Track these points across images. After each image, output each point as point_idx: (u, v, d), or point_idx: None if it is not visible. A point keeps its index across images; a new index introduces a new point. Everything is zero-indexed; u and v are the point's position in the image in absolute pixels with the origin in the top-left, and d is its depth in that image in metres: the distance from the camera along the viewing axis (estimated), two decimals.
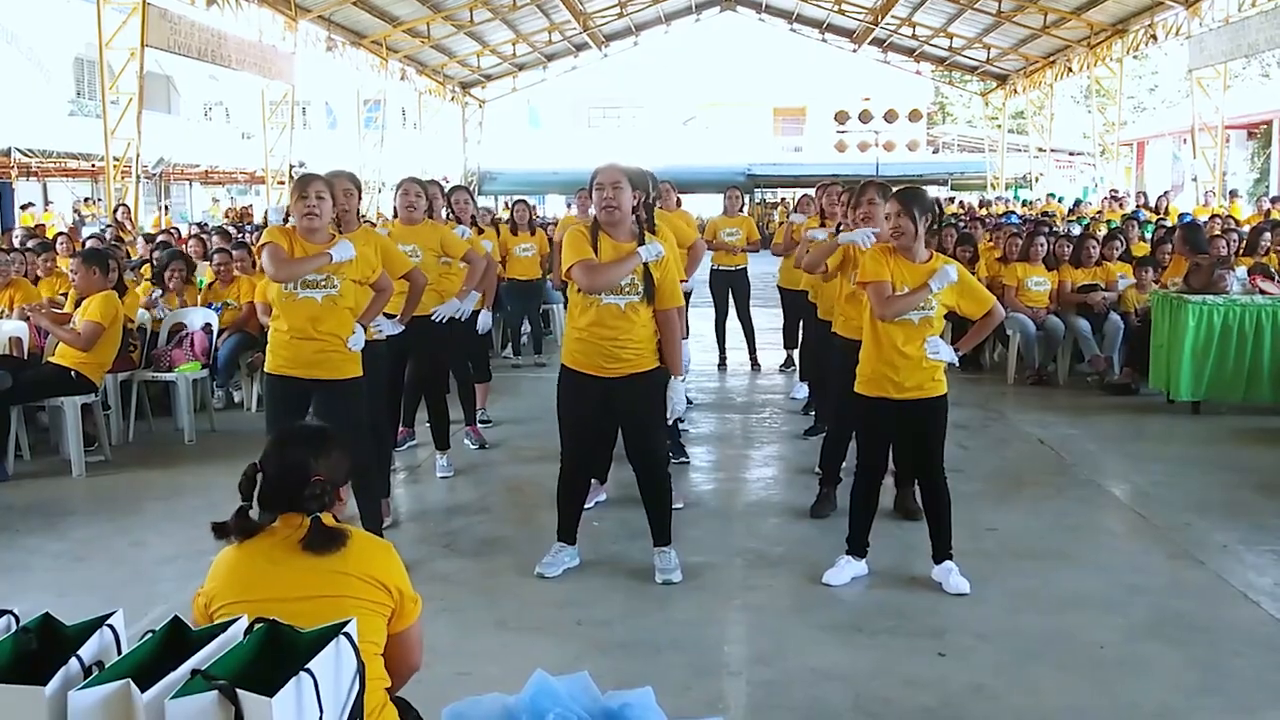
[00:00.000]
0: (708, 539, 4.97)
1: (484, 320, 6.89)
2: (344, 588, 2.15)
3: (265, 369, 4.58)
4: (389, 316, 4.99)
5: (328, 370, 4.42)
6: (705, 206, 25.76)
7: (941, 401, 4.29)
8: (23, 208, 19.66)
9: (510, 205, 10.18)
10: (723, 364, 9.64)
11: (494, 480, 6.11)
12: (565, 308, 4.84)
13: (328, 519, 2.23)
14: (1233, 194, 18.06)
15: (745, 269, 9.41)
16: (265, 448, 2.34)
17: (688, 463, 6.26)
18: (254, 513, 2.27)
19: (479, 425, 6.92)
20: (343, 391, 4.46)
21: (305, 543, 2.17)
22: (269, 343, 4.55)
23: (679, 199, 8.80)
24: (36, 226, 14.26)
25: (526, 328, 10.38)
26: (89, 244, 8.94)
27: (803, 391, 7.99)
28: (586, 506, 4.72)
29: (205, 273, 8.60)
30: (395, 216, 6.00)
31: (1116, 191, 20.51)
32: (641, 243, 4.21)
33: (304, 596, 2.12)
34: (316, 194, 4.33)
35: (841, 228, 5.58)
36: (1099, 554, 4.77)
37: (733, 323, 9.51)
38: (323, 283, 4.35)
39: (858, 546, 4.43)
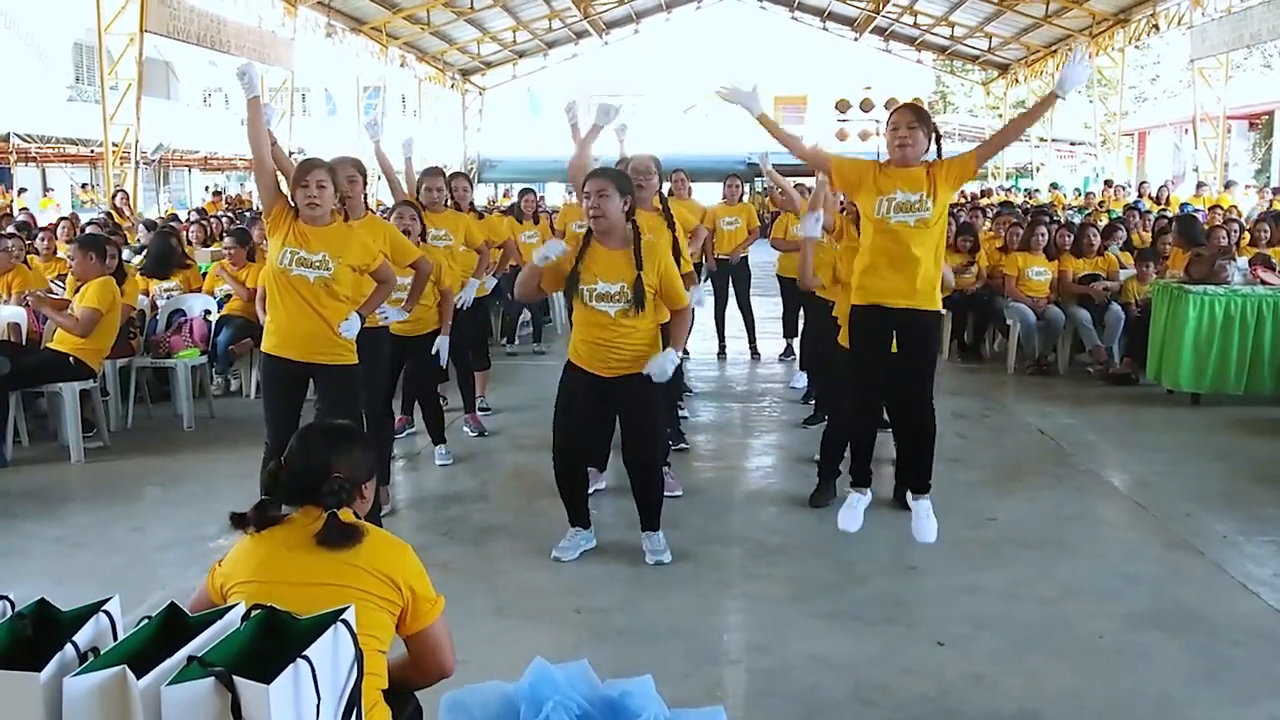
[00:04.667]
0: (707, 527, 4.96)
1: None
2: (351, 579, 2.15)
3: (261, 348, 4.55)
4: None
5: (322, 356, 4.40)
6: (706, 195, 25.70)
7: (935, 318, 4.25)
8: (19, 191, 19.64)
9: (519, 194, 10.17)
10: (722, 353, 9.63)
11: (493, 468, 6.11)
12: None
13: (346, 515, 2.24)
14: (1228, 184, 18.01)
15: (746, 258, 9.38)
16: (290, 442, 2.37)
17: (687, 449, 6.26)
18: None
19: (479, 413, 6.92)
20: (338, 378, 4.45)
21: (320, 537, 2.18)
22: (266, 324, 4.54)
23: (690, 188, 8.78)
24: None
25: (526, 316, 10.38)
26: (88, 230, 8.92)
27: (802, 380, 7.98)
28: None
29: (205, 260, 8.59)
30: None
31: (1112, 180, 20.45)
32: (636, 250, 4.19)
33: (312, 583, 2.13)
34: (317, 183, 4.29)
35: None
36: (1098, 544, 4.77)
37: (732, 311, 9.49)
38: (317, 263, 4.31)
39: (862, 477, 4.45)
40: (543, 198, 11.37)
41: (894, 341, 4.31)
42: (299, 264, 4.30)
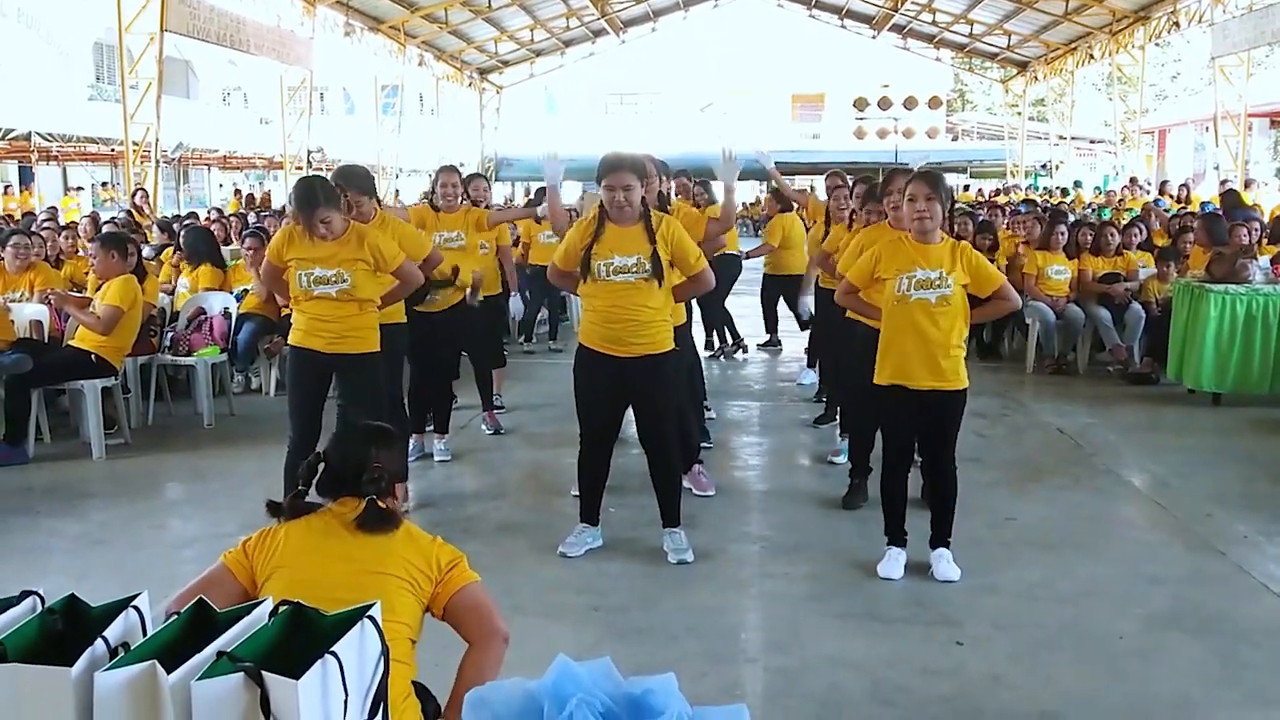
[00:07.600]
0: (725, 526, 4.97)
1: (515, 305, 7.23)
2: (388, 565, 2.24)
3: (289, 340, 4.73)
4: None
5: (347, 347, 4.58)
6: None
7: (961, 396, 4.23)
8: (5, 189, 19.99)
9: (533, 194, 10.17)
10: (709, 346, 9.54)
11: (510, 466, 6.13)
12: None
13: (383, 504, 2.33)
14: (1248, 183, 17.87)
15: (735, 254, 9.34)
16: (330, 440, 2.49)
17: (710, 447, 6.25)
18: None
19: (495, 410, 6.97)
20: (361, 365, 4.62)
21: (359, 520, 2.27)
22: (293, 320, 4.68)
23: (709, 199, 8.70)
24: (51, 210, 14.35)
25: (543, 315, 10.42)
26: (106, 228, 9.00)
27: (810, 377, 7.96)
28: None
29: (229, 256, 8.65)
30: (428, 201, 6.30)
31: (1136, 178, 20.32)
32: (649, 228, 4.26)
33: (347, 568, 2.22)
34: (322, 221, 4.43)
35: (853, 225, 5.68)
36: (1117, 544, 4.75)
37: (739, 310, 9.51)
38: (333, 278, 4.48)
39: (897, 537, 4.41)
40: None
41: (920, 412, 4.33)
42: (317, 283, 4.49)
